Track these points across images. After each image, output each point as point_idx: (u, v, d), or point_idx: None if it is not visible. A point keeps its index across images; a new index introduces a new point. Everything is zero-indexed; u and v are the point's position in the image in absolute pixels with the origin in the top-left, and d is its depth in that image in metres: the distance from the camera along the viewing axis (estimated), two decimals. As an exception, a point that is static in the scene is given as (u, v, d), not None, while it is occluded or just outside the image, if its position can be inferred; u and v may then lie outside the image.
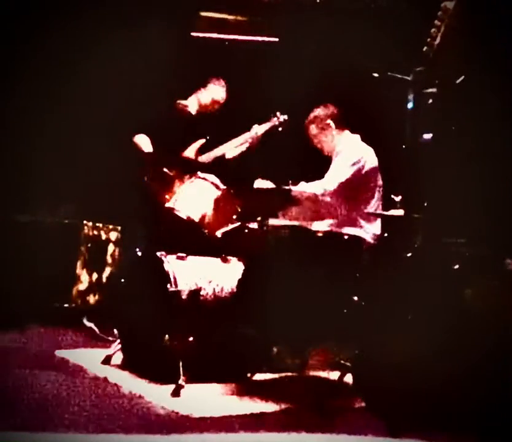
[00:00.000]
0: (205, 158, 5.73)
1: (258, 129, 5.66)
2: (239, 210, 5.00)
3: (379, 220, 4.94)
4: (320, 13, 6.46)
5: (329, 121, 5.19)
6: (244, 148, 5.69)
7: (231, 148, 5.73)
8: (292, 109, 5.90)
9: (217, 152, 5.72)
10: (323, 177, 5.25)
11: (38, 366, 4.58)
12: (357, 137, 5.21)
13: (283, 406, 4.14)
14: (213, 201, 5.02)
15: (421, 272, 3.98)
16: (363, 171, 4.96)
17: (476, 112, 4.15)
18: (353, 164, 4.95)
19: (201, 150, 5.73)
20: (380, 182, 5.04)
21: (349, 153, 5.04)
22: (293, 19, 6.59)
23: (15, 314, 5.59)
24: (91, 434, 3.48)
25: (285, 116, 5.66)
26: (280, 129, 5.65)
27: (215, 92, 5.88)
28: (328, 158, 5.28)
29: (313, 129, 5.24)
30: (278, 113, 5.65)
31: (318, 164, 5.41)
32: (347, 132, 5.22)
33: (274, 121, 5.66)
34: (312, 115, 5.25)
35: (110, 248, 6.64)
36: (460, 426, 3.61)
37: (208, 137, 5.73)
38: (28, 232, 6.27)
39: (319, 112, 5.24)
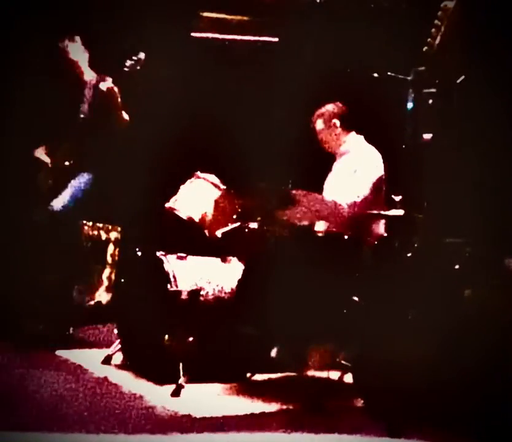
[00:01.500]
0: None
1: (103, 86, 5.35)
2: (239, 210, 5.00)
3: (382, 221, 4.96)
4: (320, 13, 6.46)
5: (335, 119, 5.19)
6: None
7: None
8: (292, 109, 5.91)
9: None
10: (324, 177, 5.26)
11: (39, 366, 4.58)
12: (361, 138, 5.21)
13: (283, 406, 4.15)
14: (213, 201, 5.02)
15: (421, 272, 3.97)
16: (380, 180, 5.00)
17: (476, 112, 4.15)
18: (376, 177, 4.96)
19: None
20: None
21: (367, 161, 5.02)
22: (293, 19, 6.59)
23: (14, 314, 5.58)
24: (91, 434, 3.48)
25: (140, 55, 5.27)
26: (137, 67, 5.26)
27: (72, 53, 5.55)
28: (330, 156, 5.29)
29: (319, 124, 5.24)
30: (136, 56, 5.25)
31: (318, 164, 5.41)
32: (353, 133, 5.22)
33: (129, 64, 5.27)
34: (320, 110, 5.26)
35: (110, 248, 6.64)
36: (460, 426, 3.61)
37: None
38: (28, 232, 6.26)
39: (327, 108, 5.24)
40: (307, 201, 4.79)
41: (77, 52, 5.54)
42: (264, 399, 4.25)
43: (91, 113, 5.49)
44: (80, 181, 5.47)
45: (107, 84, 5.33)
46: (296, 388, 4.53)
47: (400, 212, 4.34)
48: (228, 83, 6.52)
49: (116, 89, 5.31)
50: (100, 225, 6.56)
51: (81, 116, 5.52)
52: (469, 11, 4.03)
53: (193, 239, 4.98)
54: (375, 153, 5.09)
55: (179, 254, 4.74)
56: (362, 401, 4.09)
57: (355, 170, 4.97)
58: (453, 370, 3.68)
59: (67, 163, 5.51)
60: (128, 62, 5.24)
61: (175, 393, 4.20)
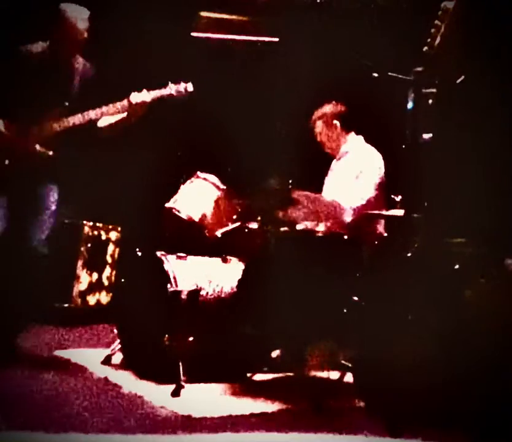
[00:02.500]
0: (72, 120, 4.70)
1: (136, 97, 4.75)
2: (239, 210, 5.00)
3: (382, 221, 4.96)
4: (320, 13, 6.46)
5: (335, 120, 5.19)
6: (119, 117, 4.78)
7: (104, 115, 4.76)
8: (292, 109, 5.91)
9: (86, 116, 4.70)
10: (324, 177, 5.26)
11: (39, 366, 4.58)
12: (361, 138, 5.21)
13: (283, 406, 4.15)
14: (213, 201, 5.02)
15: (421, 272, 3.97)
16: (383, 180, 5.02)
17: (476, 112, 4.15)
18: (378, 179, 4.97)
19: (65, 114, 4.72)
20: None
21: (369, 163, 5.02)
22: (293, 19, 6.59)
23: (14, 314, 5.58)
24: (91, 434, 3.48)
25: (188, 86, 4.85)
26: (179, 97, 4.84)
27: (73, 21, 4.78)
28: (329, 157, 5.29)
29: (319, 125, 5.25)
30: (183, 84, 4.84)
31: (318, 164, 5.41)
32: (352, 133, 5.22)
33: (169, 89, 4.82)
34: (320, 111, 5.26)
35: (110, 248, 6.64)
36: (460, 426, 3.61)
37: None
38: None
39: (327, 109, 5.24)
40: (308, 201, 4.79)
41: (79, 20, 4.77)
42: (264, 399, 4.25)
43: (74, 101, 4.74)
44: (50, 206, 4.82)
45: (144, 96, 4.77)
46: (296, 388, 4.53)
47: (400, 212, 4.34)
48: (228, 83, 6.53)
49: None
50: (100, 225, 6.57)
51: (66, 103, 4.75)
52: (469, 11, 4.03)
53: (193, 239, 4.98)
54: (376, 153, 5.09)
55: (179, 254, 4.74)
56: (362, 401, 4.09)
57: (358, 173, 4.97)
58: (453, 370, 3.68)
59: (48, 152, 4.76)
60: (176, 88, 4.83)
61: (175, 393, 4.20)
